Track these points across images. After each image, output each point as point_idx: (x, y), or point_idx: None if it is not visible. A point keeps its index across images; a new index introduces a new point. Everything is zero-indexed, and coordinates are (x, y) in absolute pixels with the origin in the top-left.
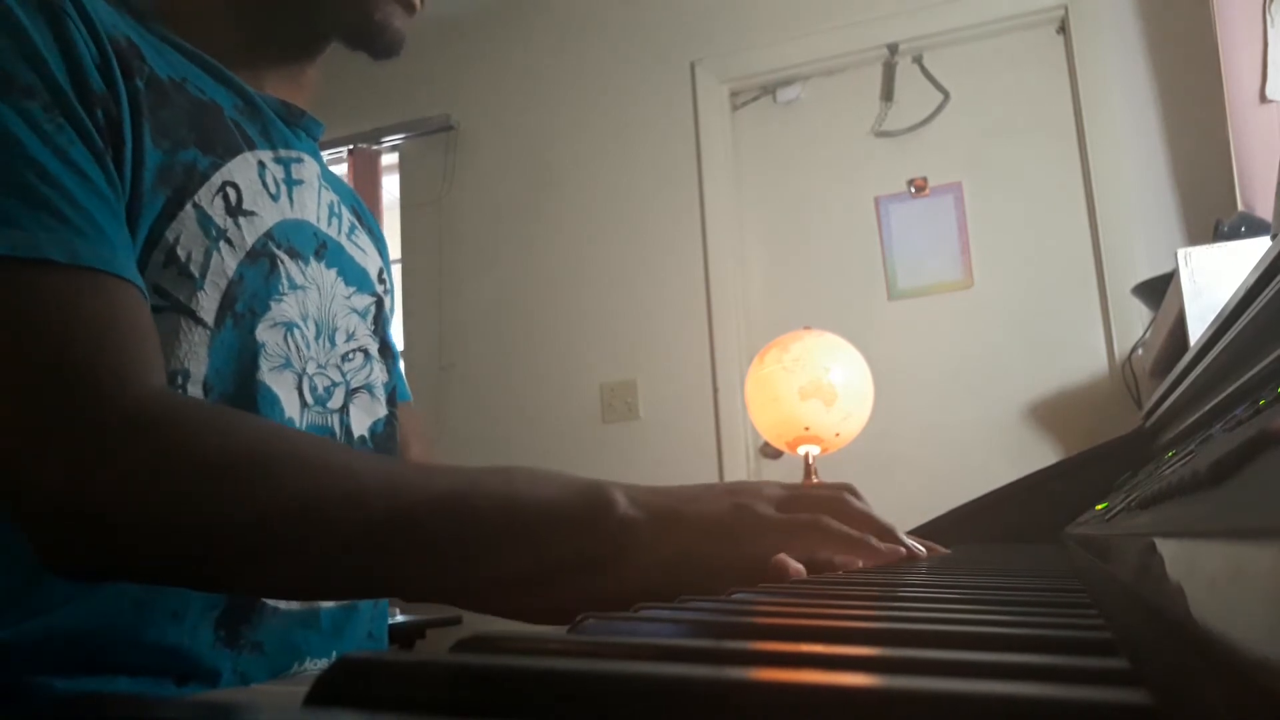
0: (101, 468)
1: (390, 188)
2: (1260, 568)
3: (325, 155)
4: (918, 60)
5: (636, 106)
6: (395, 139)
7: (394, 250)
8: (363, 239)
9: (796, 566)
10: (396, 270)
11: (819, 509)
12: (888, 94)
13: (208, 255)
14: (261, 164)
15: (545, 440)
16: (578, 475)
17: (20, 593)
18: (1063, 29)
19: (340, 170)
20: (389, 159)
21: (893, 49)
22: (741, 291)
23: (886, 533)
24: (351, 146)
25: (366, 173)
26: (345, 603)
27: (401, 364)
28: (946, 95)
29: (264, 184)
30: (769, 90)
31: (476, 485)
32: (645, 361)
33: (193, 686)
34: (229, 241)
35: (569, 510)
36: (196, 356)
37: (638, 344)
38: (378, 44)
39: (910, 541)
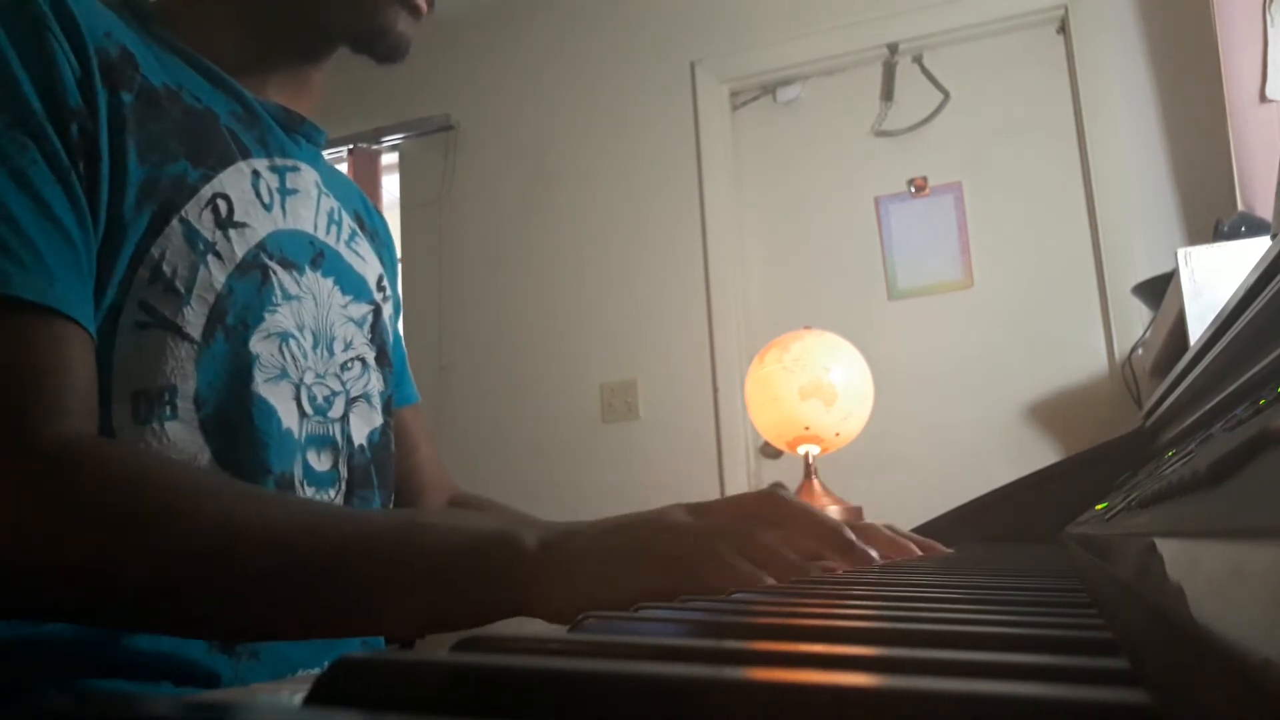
0: (7, 515)
1: (390, 188)
2: (1260, 568)
3: (325, 155)
4: (918, 60)
5: (636, 106)
6: (395, 139)
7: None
8: (363, 246)
9: (764, 579)
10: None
11: (725, 540)
12: (888, 94)
13: (194, 270)
14: (256, 173)
15: (545, 440)
16: (495, 522)
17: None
18: (1063, 29)
19: (340, 170)
20: (389, 159)
21: (893, 49)
22: (741, 291)
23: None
24: (351, 146)
25: (366, 173)
26: None
27: (408, 369)
28: (946, 95)
29: (257, 194)
30: (769, 90)
31: (373, 532)
32: (645, 361)
33: (190, 689)
34: (218, 254)
35: (472, 561)
36: (183, 372)
37: (638, 344)
38: (383, 49)
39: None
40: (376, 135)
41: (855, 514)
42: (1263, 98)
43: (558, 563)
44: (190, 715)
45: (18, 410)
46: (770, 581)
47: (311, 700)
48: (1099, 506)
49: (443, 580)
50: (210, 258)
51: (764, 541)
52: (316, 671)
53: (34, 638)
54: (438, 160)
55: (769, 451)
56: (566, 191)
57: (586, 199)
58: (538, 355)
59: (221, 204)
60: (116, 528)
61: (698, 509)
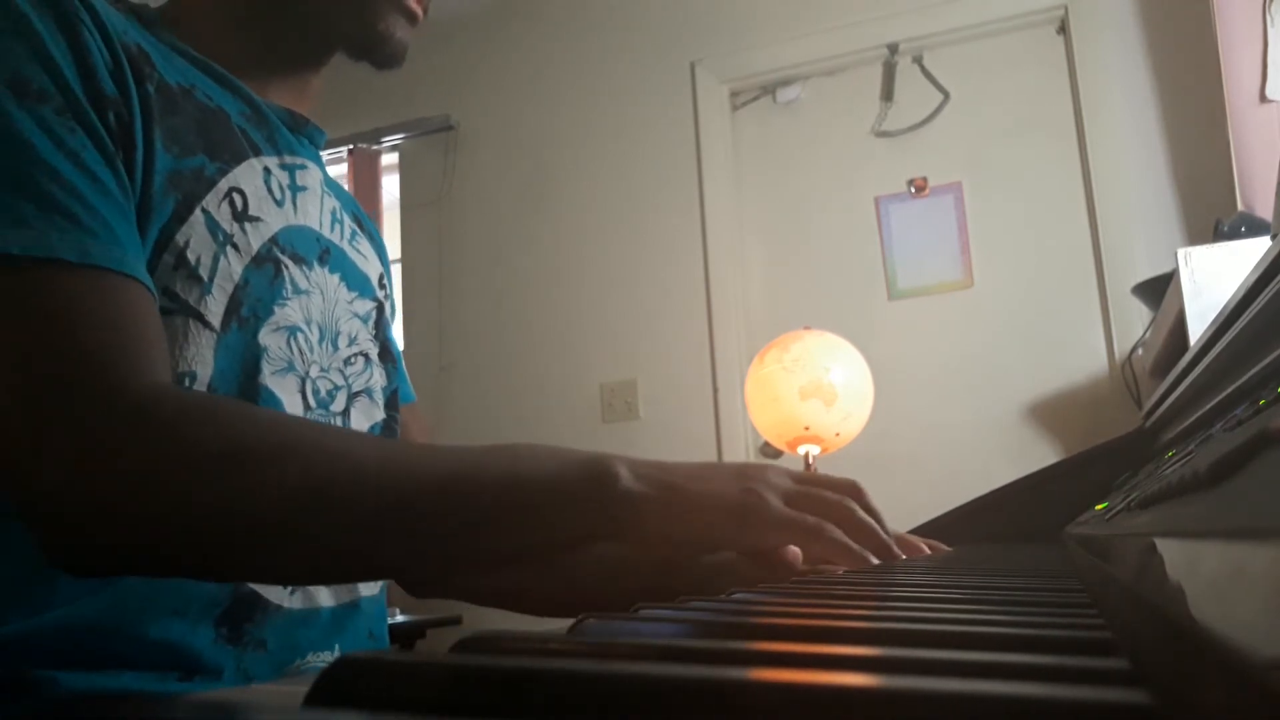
0: (104, 463)
1: (390, 188)
2: (1260, 568)
3: (325, 155)
4: (918, 60)
5: (636, 106)
6: (395, 139)
7: (394, 250)
8: (364, 245)
9: (799, 559)
10: (396, 270)
11: (826, 514)
12: (888, 94)
13: (215, 259)
14: (267, 170)
15: (545, 440)
16: (582, 450)
17: (24, 588)
18: (1063, 29)
19: (340, 170)
20: (389, 159)
21: (893, 49)
22: (741, 291)
23: (884, 549)
24: (351, 146)
25: (366, 173)
26: (346, 600)
27: (404, 366)
28: (946, 95)
29: (269, 190)
30: (769, 90)
31: (479, 464)
32: (645, 361)
33: (197, 682)
34: (235, 246)
35: (570, 485)
36: (203, 359)
37: (638, 344)
38: (380, 54)
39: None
40: (376, 135)
41: None
42: (1263, 98)
43: (651, 491)
44: (191, 715)
45: (112, 365)
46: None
47: (312, 700)
48: (1099, 506)
49: (546, 502)
50: (229, 249)
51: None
52: (326, 655)
53: (39, 630)
54: (438, 160)
55: (769, 451)
56: (566, 191)
57: (586, 199)
58: (538, 355)
59: (237, 197)
60: (230, 462)
61: (779, 491)
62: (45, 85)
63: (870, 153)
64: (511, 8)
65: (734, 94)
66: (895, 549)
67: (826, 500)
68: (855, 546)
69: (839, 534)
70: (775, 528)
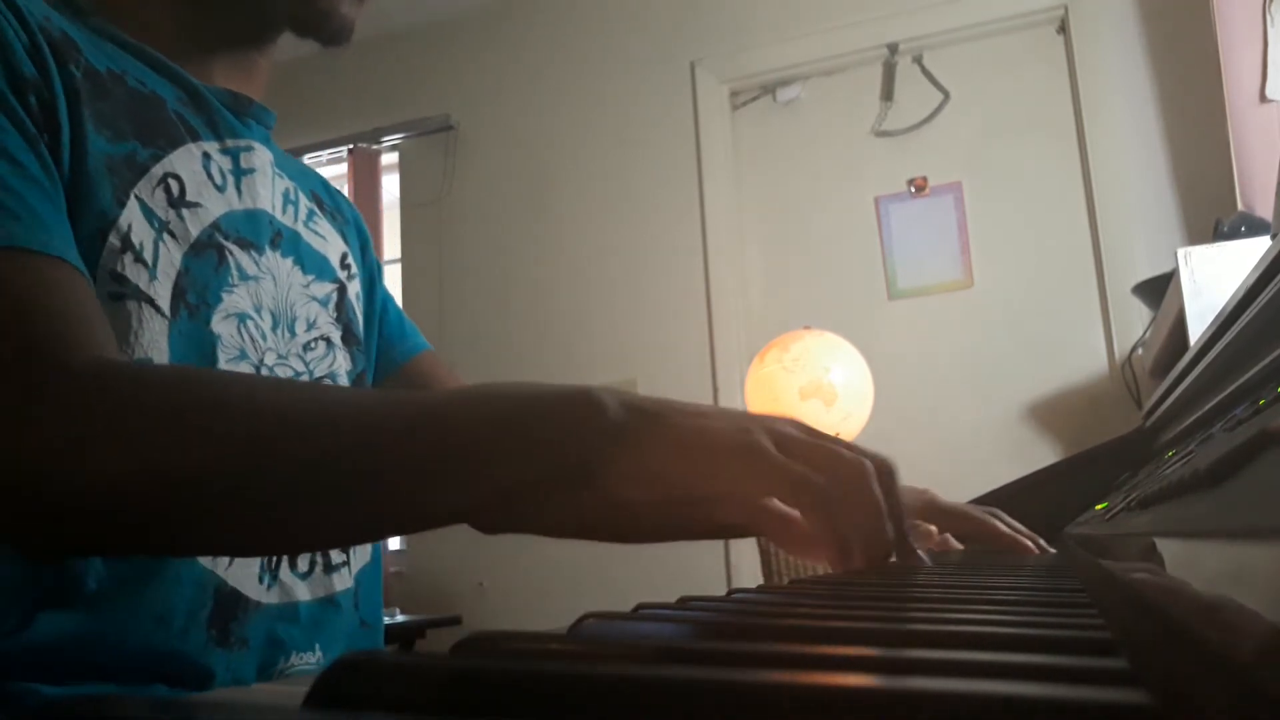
0: (33, 435)
1: (390, 188)
2: (1260, 568)
3: (325, 155)
4: (918, 60)
5: (636, 106)
6: (395, 139)
7: (394, 250)
8: (323, 225)
9: (795, 516)
10: (396, 270)
11: (834, 478)
12: (888, 94)
13: (156, 246)
14: (206, 155)
15: None
16: (568, 384)
17: (6, 601)
18: (1063, 29)
19: (340, 170)
20: (389, 159)
21: (893, 49)
22: (741, 291)
23: (878, 540)
24: (351, 146)
25: (366, 173)
26: (323, 596)
27: (407, 321)
28: (946, 95)
29: (209, 175)
30: (769, 90)
31: (451, 402)
32: (645, 361)
33: (184, 690)
34: (172, 234)
35: (553, 415)
36: (157, 346)
37: (638, 344)
38: (325, 32)
39: (921, 553)
40: (376, 135)
41: None
42: (1263, 98)
43: (642, 422)
44: (192, 715)
45: (49, 341)
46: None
47: (312, 700)
48: (1099, 506)
49: (529, 432)
50: (166, 236)
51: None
52: (308, 656)
53: (23, 643)
54: (438, 160)
55: None
56: (566, 191)
57: (586, 199)
58: (538, 355)
59: (173, 183)
60: (170, 420)
61: (784, 439)
62: None
63: (870, 152)
64: (511, 8)
65: (734, 94)
66: (892, 548)
67: (836, 461)
68: (843, 533)
69: (838, 516)
70: (769, 479)
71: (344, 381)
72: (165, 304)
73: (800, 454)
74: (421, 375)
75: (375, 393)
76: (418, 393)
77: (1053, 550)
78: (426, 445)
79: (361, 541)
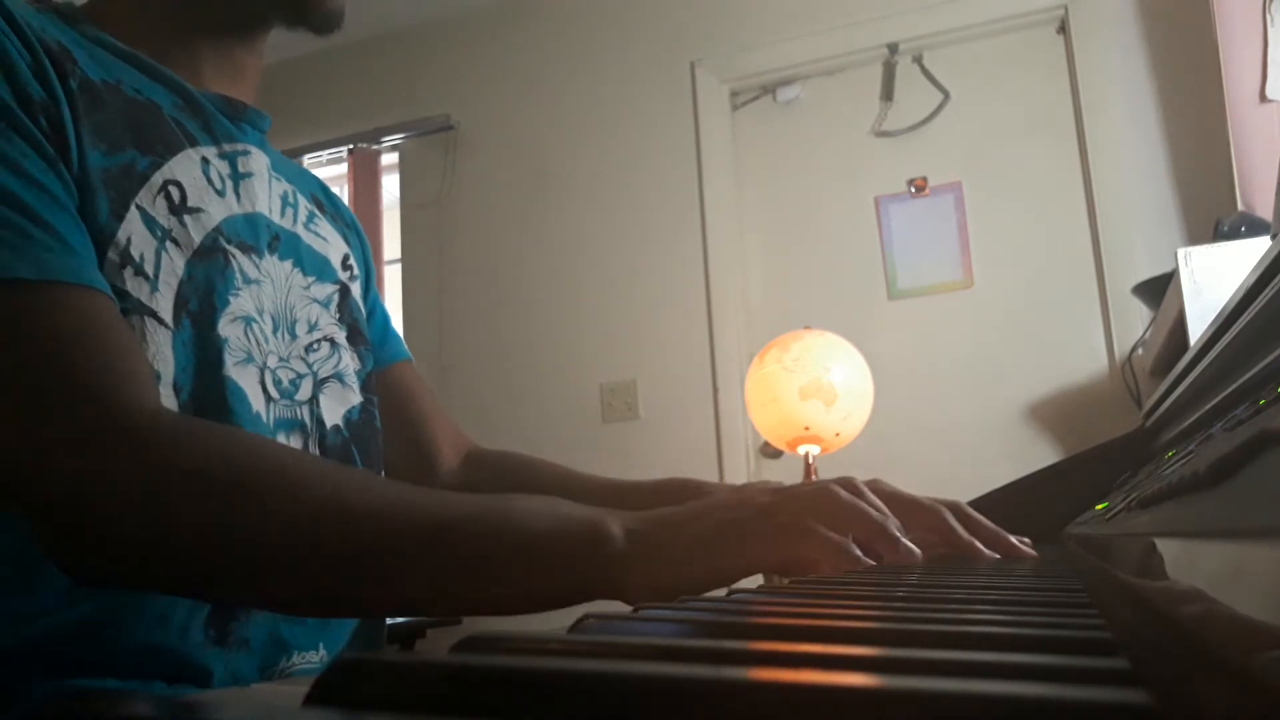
0: (104, 485)
1: (390, 188)
2: (1260, 568)
3: (325, 155)
4: (918, 60)
5: (636, 106)
6: (395, 139)
7: (394, 250)
8: (324, 227)
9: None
10: (396, 270)
11: (804, 510)
12: (888, 94)
13: (157, 255)
14: (205, 160)
15: (545, 440)
16: (582, 508)
17: (7, 599)
18: (1063, 29)
19: (340, 170)
20: (389, 159)
21: (893, 49)
22: (741, 291)
23: (875, 530)
24: (351, 146)
25: (366, 173)
26: None
27: (395, 327)
28: (946, 95)
29: (209, 180)
30: (769, 90)
31: (468, 514)
32: (645, 361)
33: (183, 687)
34: (175, 241)
35: (562, 545)
36: (163, 357)
37: (638, 344)
38: (315, 19)
39: (906, 542)
40: (376, 135)
41: None
42: (1263, 98)
43: (643, 551)
44: (192, 715)
45: (97, 382)
46: (856, 551)
47: (311, 700)
48: (1099, 506)
49: (533, 561)
50: (169, 244)
51: (848, 502)
52: (311, 655)
53: (24, 640)
54: (438, 160)
55: (769, 451)
56: (566, 191)
57: (586, 199)
58: (538, 355)
59: (174, 190)
60: (232, 492)
61: (778, 490)
62: None
63: (870, 152)
64: (511, 8)
65: (734, 94)
66: (890, 528)
67: (801, 495)
68: (834, 537)
69: (820, 529)
70: (751, 540)
71: (352, 381)
72: (168, 315)
73: (777, 512)
74: (394, 381)
75: (403, 489)
76: (444, 495)
77: (1034, 554)
78: (438, 553)
79: (367, 617)
